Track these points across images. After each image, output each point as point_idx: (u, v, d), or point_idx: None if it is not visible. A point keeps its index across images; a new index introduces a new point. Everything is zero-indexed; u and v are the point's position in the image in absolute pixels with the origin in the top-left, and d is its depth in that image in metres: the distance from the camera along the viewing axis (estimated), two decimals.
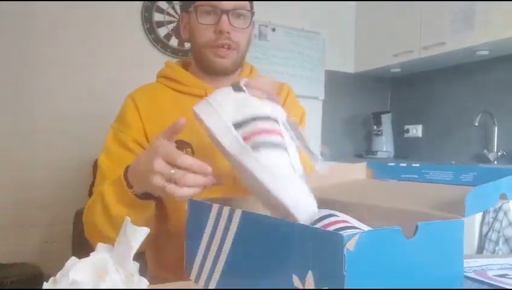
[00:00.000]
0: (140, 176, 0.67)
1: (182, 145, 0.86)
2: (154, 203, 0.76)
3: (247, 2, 0.90)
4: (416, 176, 0.66)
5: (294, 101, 1.11)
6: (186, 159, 0.61)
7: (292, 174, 0.52)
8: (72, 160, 2.28)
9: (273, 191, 0.50)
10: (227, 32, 0.86)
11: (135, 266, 0.48)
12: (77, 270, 0.46)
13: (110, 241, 0.50)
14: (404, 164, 0.70)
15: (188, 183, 0.60)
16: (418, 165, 0.67)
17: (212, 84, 0.93)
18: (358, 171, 0.76)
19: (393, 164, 0.71)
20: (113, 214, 0.73)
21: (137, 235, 0.48)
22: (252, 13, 0.91)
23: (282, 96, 1.04)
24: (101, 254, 0.49)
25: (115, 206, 0.73)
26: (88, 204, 0.84)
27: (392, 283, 0.37)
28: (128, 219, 0.50)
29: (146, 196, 0.70)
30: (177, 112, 0.88)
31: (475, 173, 0.59)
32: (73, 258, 0.48)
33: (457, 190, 0.54)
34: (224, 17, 0.85)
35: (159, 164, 0.61)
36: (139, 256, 0.50)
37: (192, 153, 0.88)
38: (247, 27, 0.90)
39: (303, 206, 0.51)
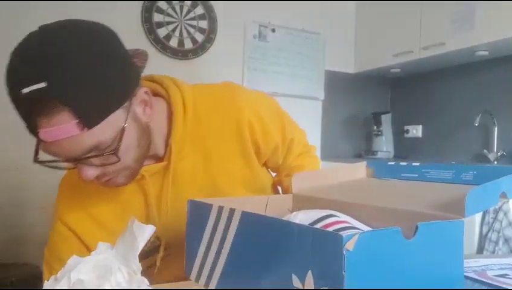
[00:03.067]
0: None
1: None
2: None
3: (99, 133, 0.62)
4: (417, 175, 0.66)
5: (265, 128, 0.85)
6: None
7: None
8: None
9: None
10: (96, 177, 0.68)
11: (139, 265, 0.48)
12: (80, 270, 0.46)
13: None
14: (405, 163, 0.69)
15: None
16: (418, 164, 0.67)
17: (145, 164, 0.76)
18: (358, 170, 0.75)
19: (393, 163, 0.71)
20: None
21: (144, 232, 0.48)
22: (116, 139, 0.65)
23: (246, 135, 0.83)
24: (103, 253, 0.49)
25: None
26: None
27: (391, 283, 0.37)
28: (134, 218, 0.50)
29: None
30: (119, 214, 0.79)
31: (475, 172, 0.59)
32: (74, 256, 0.48)
33: (457, 189, 0.54)
34: (80, 165, 0.65)
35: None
36: None
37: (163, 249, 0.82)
38: (118, 160, 0.66)
39: None
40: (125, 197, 0.80)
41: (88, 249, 0.79)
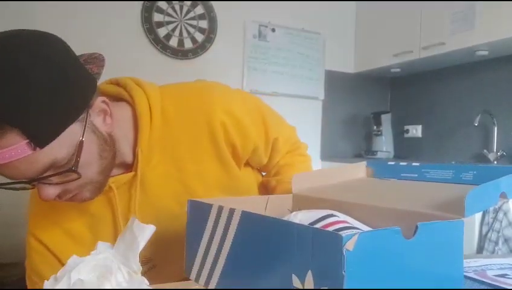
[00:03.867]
0: None
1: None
2: None
3: (54, 151, 0.58)
4: (416, 175, 0.66)
5: (241, 128, 0.80)
6: None
7: None
8: None
9: None
10: (57, 197, 0.64)
11: (139, 264, 0.48)
12: (80, 270, 0.46)
13: None
14: (404, 163, 0.69)
15: None
16: (418, 164, 0.67)
17: (113, 174, 0.74)
18: (358, 170, 0.75)
19: (393, 163, 0.71)
20: None
21: (144, 232, 0.48)
22: (73, 158, 0.61)
23: (219, 137, 0.79)
24: (103, 253, 0.49)
25: None
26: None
27: (391, 283, 0.37)
28: (134, 217, 0.50)
29: None
30: (90, 226, 0.77)
31: (475, 172, 0.59)
32: (74, 256, 0.48)
33: (457, 189, 0.54)
34: (39, 186, 0.61)
35: None
36: None
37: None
38: (78, 176, 0.62)
39: None
40: (95, 210, 0.76)
41: (61, 264, 0.71)
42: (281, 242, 0.41)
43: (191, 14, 2.61)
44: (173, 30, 2.56)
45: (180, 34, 2.58)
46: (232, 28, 2.76)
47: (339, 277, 0.33)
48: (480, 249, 1.84)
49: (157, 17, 2.51)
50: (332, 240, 0.35)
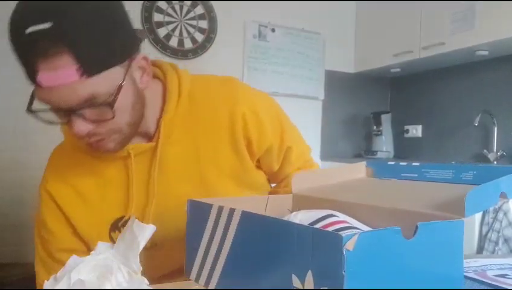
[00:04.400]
0: None
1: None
2: None
3: (98, 82, 0.62)
4: (416, 175, 0.66)
5: (260, 125, 0.84)
6: None
7: None
8: None
9: None
10: (87, 134, 0.67)
11: (139, 264, 0.48)
12: (80, 270, 0.46)
13: None
14: (404, 163, 0.69)
15: None
16: (418, 164, 0.67)
17: (134, 143, 0.77)
18: (358, 170, 0.75)
19: (393, 163, 0.71)
20: None
21: (144, 232, 0.48)
22: (112, 94, 0.64)
23: (238, 128, 0.81)
24: (103, 253, 0.49)
25: None
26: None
27: (391, 283, 0.37)
28: (134, 217, 0.50)
29: None
30: (101, 188, 0.79)
31: (475, 172, 0.59)
32: (74, 256, 0.48)
33: (457, 189, 0.54)
34: (73, 119, 0.64)
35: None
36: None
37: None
38: (112, 116, 0.65)
39: None
40: (109, 173, 0.79)
41: (66, 218, 0.81)
42: (281, 242, 0.41)
43: (191, 14, 2.61)
44: (173, 30, 2.56)
45: (180, 34, 2.58)
46: (232, 28, 2.76)
47: (339, 277, 0.33)
48: (480, 249, 1.84)
49: (157, 17, 2.51)
50: (332, 240, 0.35)
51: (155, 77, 0.81)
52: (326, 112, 3.11)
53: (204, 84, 0.84)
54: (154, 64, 0.84)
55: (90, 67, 0.60)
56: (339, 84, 3.15)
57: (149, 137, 0.80)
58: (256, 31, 2.82)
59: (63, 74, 0.59)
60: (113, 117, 0.65)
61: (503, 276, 0.63)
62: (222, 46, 2.72)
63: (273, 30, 2.88)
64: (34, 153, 2.22)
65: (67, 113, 0.64)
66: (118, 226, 0.80)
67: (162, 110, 0.79)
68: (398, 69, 3.02)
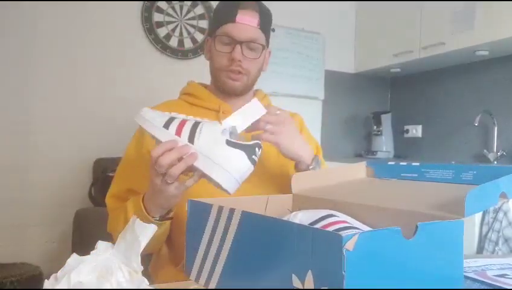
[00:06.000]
0: (150, 197, 0.83)
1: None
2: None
3: (261, 36, 1.01)
4: (416, 175, 0.66)
5: (308, 133, 1.17)
6: (163, 159, 0.71)
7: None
8: (72, 160, 2.28)
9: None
10: (239, 61, 0.98)
11: (140, 263, 0.48)
12: (80, 270, 0.46)
13: None
14: (405, 163, 0.69)
15: (173, 177, 0.73)
16: (418, 164, 0.67)
17: (226, 102, 1.05)
18: (358, 170, 0.75)
19: (393, 163, 0.71)
20: None
21: (146, 231, 0.48)
22: (264, 46, 1.02)
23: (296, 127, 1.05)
24: (103, 253, 0.49)
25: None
26: (110, 216, 0.99)
27: (391, 283, 0.37)
28: (135, 217, 0.50)
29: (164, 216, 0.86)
30: None
31: (475, 172, 0.59)
32: (74, 256, 0.48)
33: (457, 189, 0.54)
34: (238, 47, 0.97)
35: (151, 173, 0.76)
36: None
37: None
38: (258, 58, 1.01)
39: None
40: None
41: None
42: (281, 242, 0.41)
43: (191, 14, 2.61)
44: (173, 30, 2.56)
45: (180, 34, 2.58)
46: None
47: (339, 277, 0.33)
48: (480, 249, 1.84)
49: (157, 17, 2.51)
50: (332, 240, 0.35)
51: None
52: (326, 112, 3.11)
53: None
54: None
55: (263, 26, 1.01)
56: (339, 84, 3.15)
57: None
58: None
59: (251, 21, 0.98)
60: (259, 58, 1.01)
61: (503, 276, 0.63)
62: None
63: (273, 30, 2.86)
64: (34, 154, 2.22)
65: (236, 43, 0.97)
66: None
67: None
68: (398, 69, 3.02)
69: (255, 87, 1.12)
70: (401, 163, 0.70)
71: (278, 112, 0.89)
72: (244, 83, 1.02)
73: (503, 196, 0.51)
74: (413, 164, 0.68)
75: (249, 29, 0.98)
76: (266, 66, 1.10)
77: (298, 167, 0.94)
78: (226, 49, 0.99)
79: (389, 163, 0.72)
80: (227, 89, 1.03)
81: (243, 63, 0.99)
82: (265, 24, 1.02)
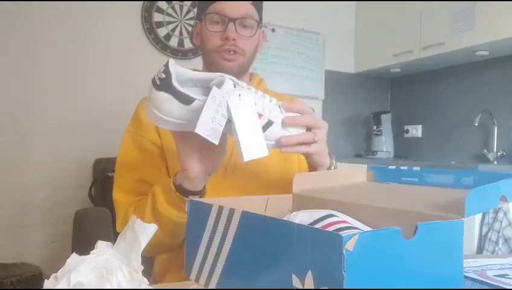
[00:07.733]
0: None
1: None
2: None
3: (254, 12, 0.95)
4: (417, 179, 0.66)
5: None
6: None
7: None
8: (72, 160, 2.28)
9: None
10: (233, 39, 0.92)
11: (140, 263, 0.48)
12: (80, 271, 0.46)
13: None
14: (405, 167, 0.70)
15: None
16: (418, 168, 0.68)
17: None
18: (359, 174, 0.76)
19: (394, 167, 0.71)
20: (161, 211, 0.79)
21: (146, 231, 0.48)
22: (258, 22, 0.96)
23: None
24: (103, 253, 0.49)
25: (163, 207, 0.79)
26: (136, 206, 0.91)
27: (391, 284, 0.37)
28: (135, 217, 0.50)
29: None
30: None
31: (476, 177, 0.60)
32: (74, 255, 0.48)
33: (457, 193, 0.54)
34: (231, 25, 0.92)
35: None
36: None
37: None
38: (253, 35, 0.95)
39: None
40: None
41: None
42: (281, 242, 0.41)
43: (191, 14, 2.61)
44: (173, 30, 2.56)
45: (180, 34, 2.58)
46: None
47: (339, 277, 0.33)
48: (480, 249, 1.84)
49: (157, 17, 2.51)
50: (332, 240, 0.35)
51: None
52: (326, 112, 3.11)
53: None
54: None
55: (256, 2, 0.95)
56: (339, 84, 3.15)
57: None
58: None
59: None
60: (254, 35, 0.95)
61: (503, 276, 0.63)
62: None
63: (273, 30, 2.88)
64: (34, 153, 2.22)
65: (229, 21, 0.91)
66: None
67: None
68: (398, 69, 3.02)
69: (250, 70, 1.06)
70: (402, 167, 0.70)
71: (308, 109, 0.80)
72: (239, 63, 0.95)
73: (503, 199, 0.51)
74: (414, 168, 0.68)
75: (242, 4, 0.93)
76: (261, 47, 1.03)
77: (314, 168, 0.85)
78: (217, 28, 0.93)
79: (390, 167, 0.72)
80: (222, 71, 0.94)
81: (238, 41, 0.93)
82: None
